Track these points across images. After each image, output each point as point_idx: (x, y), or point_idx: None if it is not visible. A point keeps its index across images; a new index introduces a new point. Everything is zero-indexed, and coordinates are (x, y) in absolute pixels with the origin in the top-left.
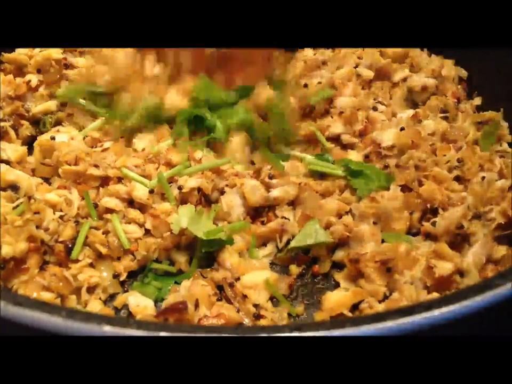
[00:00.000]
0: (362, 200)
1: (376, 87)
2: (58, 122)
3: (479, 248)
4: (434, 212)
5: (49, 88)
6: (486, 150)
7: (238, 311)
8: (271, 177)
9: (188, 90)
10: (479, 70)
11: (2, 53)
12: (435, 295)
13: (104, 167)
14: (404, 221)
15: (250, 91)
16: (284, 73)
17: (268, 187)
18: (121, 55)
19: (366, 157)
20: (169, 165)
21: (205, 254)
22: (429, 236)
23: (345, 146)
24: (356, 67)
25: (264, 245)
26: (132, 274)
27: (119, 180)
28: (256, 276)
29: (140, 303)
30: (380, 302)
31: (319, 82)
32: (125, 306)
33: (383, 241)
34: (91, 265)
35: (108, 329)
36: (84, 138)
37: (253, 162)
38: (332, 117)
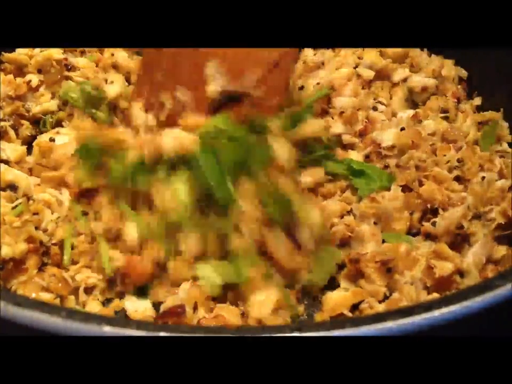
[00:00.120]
0: (363, 200)
1: (376, 87)
2: (58, 122)
3: (479, 249)
4: (435, 212)
5: (50, 88)
6: (486, 150)
7: (243, 314)
8: None
9: (194, 126)
10: (479, 70)
11: (2, 53)
12: (435, 295)
13: None
14: (404, 221)
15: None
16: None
17: None
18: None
19: (367, 157)
20: None
21: None
22: (429, 236)
23: (346, 146)
24: (355, 67)
25: None
26: None
27: None
28: (264, 296)
29: (138, 308)
30: (380, 302)
31: (318, 83)
32: (122, 309)
33: (383, 241)
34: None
35: (108, 329)
36: None
37: None
38: (332, 117)
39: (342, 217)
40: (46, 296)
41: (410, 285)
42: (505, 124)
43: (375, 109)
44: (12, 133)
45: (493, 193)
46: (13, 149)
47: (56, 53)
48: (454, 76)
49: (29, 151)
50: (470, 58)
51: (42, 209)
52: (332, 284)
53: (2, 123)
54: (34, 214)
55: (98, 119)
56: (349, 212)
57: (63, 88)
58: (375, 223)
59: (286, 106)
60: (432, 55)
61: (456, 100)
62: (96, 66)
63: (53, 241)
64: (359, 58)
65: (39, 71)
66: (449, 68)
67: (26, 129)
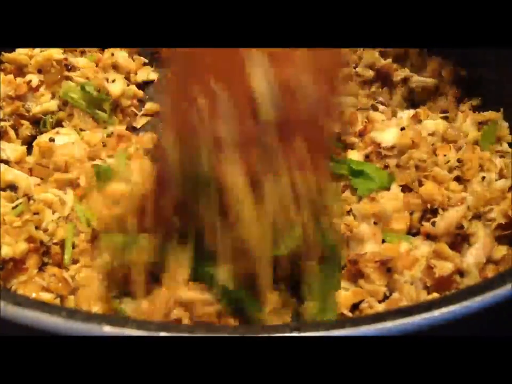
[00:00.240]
0: (363, 200)
1: (376, 87)
2: (58, 122)
3: (479, 249)
4: (435, 212)
5: (50, 88)
6: (486, 150)
7: None
8: None
9: None
10: (479, 70)
11: (2, 53)
12: (435, 295)
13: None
14: (404, 221)
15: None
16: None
17: None
18: None
19: (366, 157)
20: None
21: None
22: (429, 236)
23: (345, 146)
24: (355, 67)
25: None
26: None
27: None
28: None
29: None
30: (379, 302)
31: None
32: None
33: (383, 241)
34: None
35: (108, 329)
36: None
37: None
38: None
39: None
40: (46, 296)
41: (410, 284)
42: (505, 124)
43: (375, 109)
44: (12, 133)
45: (493, 193)
46: (13, 149)
47: (56, 53)
48: (454, 76)
49: (29, 151)
50: (470, 58)
51: (43, 209)
52: None
53: (2, 123)
54: (34, 213)
55: (99, 119)
56: (349, 212)
57: (63, 88)
58: (374, 223)
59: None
60: (432, 55)
61: (456, 100)
62: (96, 66)
63: (54, 241)
64: (359, 58)
65: (39, 71)
66: (449, 68)
67: (26, 129)
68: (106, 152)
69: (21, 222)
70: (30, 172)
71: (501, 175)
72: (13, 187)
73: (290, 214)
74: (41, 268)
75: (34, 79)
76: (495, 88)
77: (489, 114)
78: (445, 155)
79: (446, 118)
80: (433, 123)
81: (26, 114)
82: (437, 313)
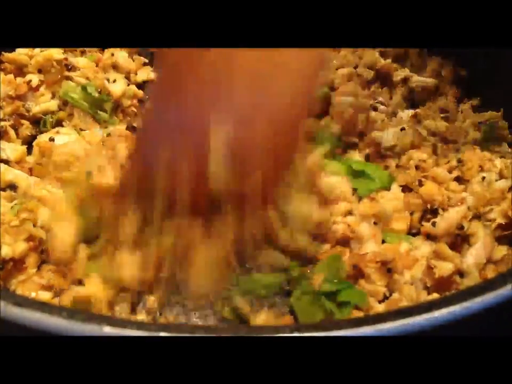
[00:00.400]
0: (363, 200)
1: (376, 87)
2: (58, 122)
3: (480, 249)
4: (435, 212)
5: (50, 88)
6: (486, 150)
7: None
8: None
9: None
10: (479, 70)
11: (2, 53)
12: (435, 295)
13: None
14: (404, 221)
15: None
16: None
17: None
18: None
19: (367, 157)
20: None
21: None
22: (429, 236)
23: (346, 147)
24: (355, 67)
25: None
26: None
27: None
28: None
29: None
30: (380, 302)
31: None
32: None
33: (383, 241)
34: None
35: (108, 330)
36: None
37: None
38: (332, 117)
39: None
40: (44, 295)
41: (410, 285)
42: (505, 124)
43: (375, 109)
44: (12, 132)
45: (493, 194)
46: (13, 149)
47: (56, 53)
48: (454, 76)
49: (29, 151)
50: (470, 58)
51: (37, 206)
52: None
53: (3, 123)
54: (30, 211)
55: (100, 119)
56: (350, 212)
57: (63, 88)
58: (375, 223)
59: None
60: (432, 55)
61: (456, 100)
62: (96, 66)
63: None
64: (359, 58)
65: (39, 71)
66: (449, 68)
67: (26, 129)
68: (106, 152)
69: (18, 221)
70: (30, 171)
71: (501, 175)
72: (13, 187)
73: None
74: (39, 265)
75: (34, 79)
76: (495, 88)
77: (489, 114)
78: (445, 155)
79: (446, 118)
80: (433, 123)
81: (26, 114)
82: (437, 313)
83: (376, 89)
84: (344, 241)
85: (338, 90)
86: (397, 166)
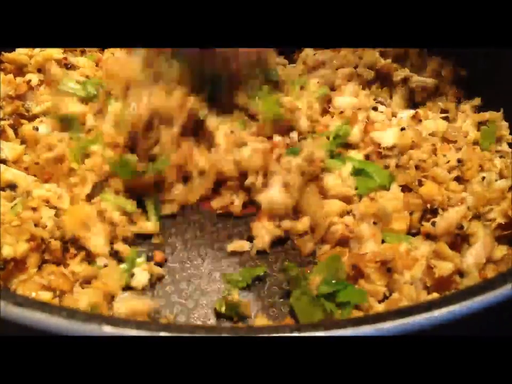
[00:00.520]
0: (363, 200)
1: (376, 87)
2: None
3: (479, 249)
4: (434, 212)
5: (50, 88)
6: (486, 150)
7: None
8: None
9: None
10: (479, 70)
11: (2, 53)
12: (435, 295)
13: None
14: (404, 221)
15: None
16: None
17: None
18: None
19: (367, 157)
20: None
21: None
22: (429, 236)
23: (346, 146)
24: (355, 67)
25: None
26: None
27: None
28: None
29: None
30: (379, 302)
31: (318, 82)
32: None
33: (383, 241)
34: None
35: (108, 329)
36: None
37: None
38: (332, 117)
39: (341, 216)
40: (45, 295)
41: (410, 285)
42: (505, 124)
43: (375, 109)
44: (10, 131)
45: (493, 193)
46: (11, 148)
47: (56, 52)
48: (454, 76)
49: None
50: (470, 58)
51: (40, 205)
52: None
53: (2, 122)
54: (33, 210)
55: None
56: (349, 212)
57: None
58: (374, 223)
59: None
60: (432, 55)
61: (456, 100)
62: (96, 66)
63: (54, 236)
64: (359, 58)
65: (39, 71)
66: (449, 68)
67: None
68: None
69: (19, 221)
70: (27, 170)
71: (501, 175)
72: (12, 186)
73: None
74: (40, 266)
75: (34, 78)
76: (495, 88)
77: (489, 114)
78: (445, 155)
79: (446, 118)
80: (433, 123)
81: (26, 114)
82: (437, 313)
83: (376, 89)
84: (344, 241)
85: (338, 90)
86: (397, 166)
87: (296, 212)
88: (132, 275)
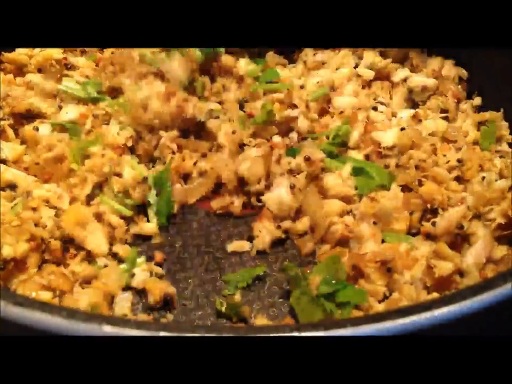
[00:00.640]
0: (362, 200)
1: (376, 87)
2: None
3: (479, 249)
4: (434, 212)
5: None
6: (486, 150)
7: None
8: None
9: None
10: (479, 70)
11: (2, 53)
12: (435, 295)
13: None
14: (404, 221)
15: None
16: None
17: None
18: None
19: (367, 157)
20: None
21: None
22: (429, 236)
23: (346, 146)
24: (355, 67)
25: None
26: None
27: None
28: None
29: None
30: (379, 302)
31: (318, 82)
32: None
33: (383, 241)
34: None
35: (108, 329)
36: None
37: None
38: (332, 117)
39: (341, 216)
40: (45, 295)
41: (410, 284)
42: (505, 124)
43: (375, 109)
44: (10, 132)
45: (493, 193)
46: (11, 148)
47: (56, 52)
48: (454, 76)
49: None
50: (470, 58)
51: (40, 205)
52: None
53: (2, 122)
54: (33, 210)
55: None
56: (349, 212)
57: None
58: (374, 223)
59: None
60: (432, 55)
61: (456, 100)
62: (96, 66)
63: (55, 236)
64: (359, 58)
65: (39, 71)
66: (449, 68)
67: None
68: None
69: (19, 221)
70: (27, 170)
71: (501, 175)
72: (12, 186)
73: None
74: (40, 266)
75: (34, 78)
76: (495, 88)
77: (489, 114)
78: (445, 155)
79: (446, 118)
80: (433, 123)
81: (26, 114)
82: (437, 312)
83: (376, 89)
84: (344, 241)
85: (338, 90)
86: (397, 166)
87: (296, 212)
88: (132, 275)
